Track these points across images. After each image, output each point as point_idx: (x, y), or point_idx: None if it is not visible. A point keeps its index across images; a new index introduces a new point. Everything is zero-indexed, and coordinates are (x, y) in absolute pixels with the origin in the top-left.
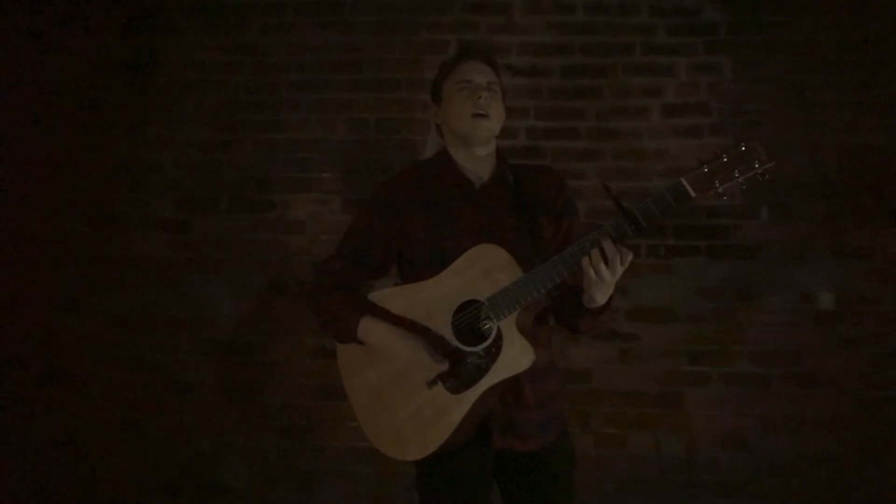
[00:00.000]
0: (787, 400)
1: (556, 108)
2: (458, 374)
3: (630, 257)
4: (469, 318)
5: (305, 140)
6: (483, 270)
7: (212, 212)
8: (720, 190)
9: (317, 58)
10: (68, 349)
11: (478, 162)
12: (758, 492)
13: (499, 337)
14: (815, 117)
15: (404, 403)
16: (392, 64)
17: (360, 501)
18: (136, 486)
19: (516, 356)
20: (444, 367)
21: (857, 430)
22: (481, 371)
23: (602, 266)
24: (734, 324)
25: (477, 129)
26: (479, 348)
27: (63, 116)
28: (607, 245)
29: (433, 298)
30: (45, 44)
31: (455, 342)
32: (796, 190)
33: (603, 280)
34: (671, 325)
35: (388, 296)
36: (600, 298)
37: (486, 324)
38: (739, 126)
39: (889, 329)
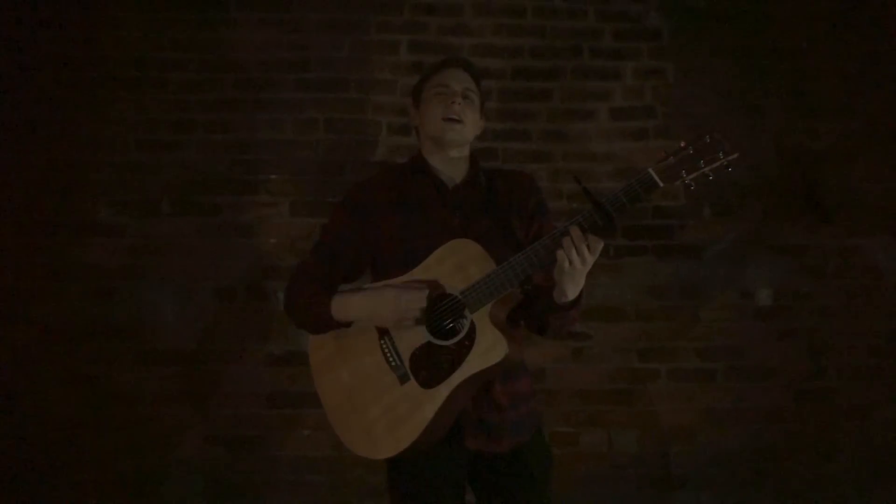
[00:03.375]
0: (731, 392)
1: (507, 109)
2: (431, 368)
3: (600, 245)
4: (442, 312)
5: (252, 141)
6: (455, 265)
7: (152, 215)
8: (687, 180)
9: (262, 56)
10: (0, 360)
11: (451, 164)
12: (705, 482)
13: (472, 330)
14: (752, 121)
15: (376, 401)
16: (341, 63)
17: None
18: (76, 501)
19: (489, 349)
20: (426, 291)
21: (794, 419)
22: (454, 364)
23: (573, 253)
24: (680, 320)
25: (446, 133)
26: (451, 342)
27: None
28: (575, 233)
29: None
30: None
31: (428, 336)
32: (736, 190)
33: (574, 268)
34: (621, 323)
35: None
36: (570, 291)
37: (458, 318)
38: (682, 129)
39: (822, 322)
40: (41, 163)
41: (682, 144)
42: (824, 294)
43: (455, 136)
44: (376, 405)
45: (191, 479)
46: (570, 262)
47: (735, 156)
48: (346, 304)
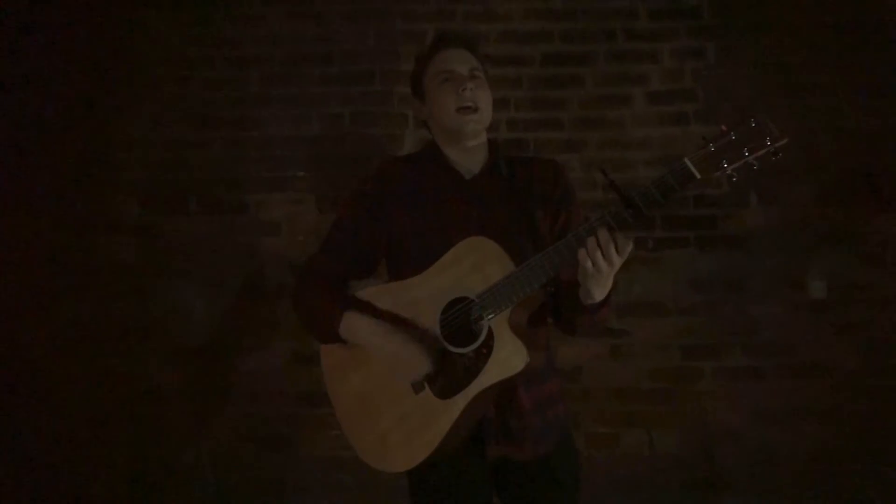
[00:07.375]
0: (782, 391)
1: (537, 98)
2: (447, 378)
3: (629, 247)
4: (458, 316)
5: (278, 137)
6: (473, 265)
7: (180, 214)
8: (729, 171)
9: (287, 50)
10: (31, 357)
11: (468, 154)
12: (753, 486)
13: (490, 336)
14: (800, 101)
15: (389, 410)
16: (366, 55)
17: None
18: (106, 498)
19: (508, 357)
20: (429, 369)
21: (853, 419)
22: (471, 374)
23: (598, 256)
24: (726, 315)
25: (465, 125)
26: (468, 349)
27: (20, 115)
28: (602, 234)
29: (421, 296)
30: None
31: (443, 343)
32: (784, 176)
33: (599, 272)
34: (662, 319)
35: (375, 294)
36: (598, 294)
37: (476, 323)
38: (725, 112)
39: (881, 315)
40: (71, 162)
41: (723, 129)
42: (884, 285)
43: (474, 126)
44: (390, 414)
45: (217, 476)
46: (596, 266)
47: (784, 141)
48: (353, 328)
